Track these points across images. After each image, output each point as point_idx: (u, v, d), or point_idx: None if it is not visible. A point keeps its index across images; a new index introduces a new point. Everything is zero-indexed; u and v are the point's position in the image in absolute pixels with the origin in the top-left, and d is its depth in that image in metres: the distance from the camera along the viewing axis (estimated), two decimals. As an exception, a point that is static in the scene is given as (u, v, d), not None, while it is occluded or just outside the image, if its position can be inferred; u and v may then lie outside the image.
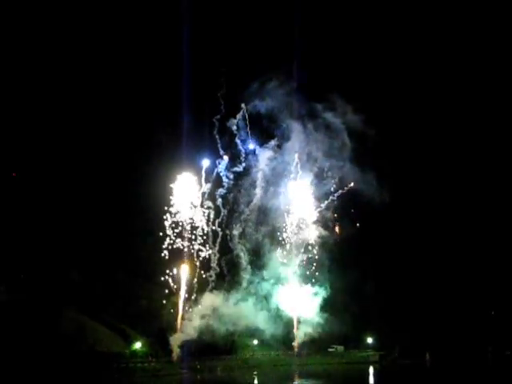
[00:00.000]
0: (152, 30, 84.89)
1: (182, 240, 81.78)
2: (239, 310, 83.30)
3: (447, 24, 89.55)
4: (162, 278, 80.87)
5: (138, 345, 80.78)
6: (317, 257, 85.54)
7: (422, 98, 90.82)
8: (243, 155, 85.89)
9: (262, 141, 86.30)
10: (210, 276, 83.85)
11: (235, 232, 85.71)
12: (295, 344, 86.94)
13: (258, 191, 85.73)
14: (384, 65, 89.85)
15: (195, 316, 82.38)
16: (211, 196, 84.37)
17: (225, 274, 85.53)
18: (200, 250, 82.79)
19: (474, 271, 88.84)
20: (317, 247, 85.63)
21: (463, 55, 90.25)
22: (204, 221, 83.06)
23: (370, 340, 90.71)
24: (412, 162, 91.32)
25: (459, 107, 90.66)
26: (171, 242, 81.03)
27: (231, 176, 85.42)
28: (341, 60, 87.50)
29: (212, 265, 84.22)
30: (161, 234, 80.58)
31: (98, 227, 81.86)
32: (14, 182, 78.12)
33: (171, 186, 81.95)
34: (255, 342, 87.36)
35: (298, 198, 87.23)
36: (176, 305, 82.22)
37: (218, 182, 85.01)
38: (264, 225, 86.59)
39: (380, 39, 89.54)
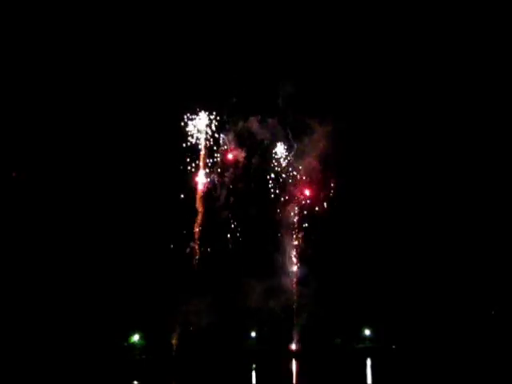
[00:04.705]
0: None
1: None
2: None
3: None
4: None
5: (136, 337, 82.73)
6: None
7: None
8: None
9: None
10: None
11: None
12: (294, 334, 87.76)
13: None
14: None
15: (196, 307, 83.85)
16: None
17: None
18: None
19: (475, 265, 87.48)
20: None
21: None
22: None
23: (367, 332, 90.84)
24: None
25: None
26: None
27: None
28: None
29: None
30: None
31: (97, 222, 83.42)
32: (14, 182, 79.97)
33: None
34: (253, 334, 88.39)
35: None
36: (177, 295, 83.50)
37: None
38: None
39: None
